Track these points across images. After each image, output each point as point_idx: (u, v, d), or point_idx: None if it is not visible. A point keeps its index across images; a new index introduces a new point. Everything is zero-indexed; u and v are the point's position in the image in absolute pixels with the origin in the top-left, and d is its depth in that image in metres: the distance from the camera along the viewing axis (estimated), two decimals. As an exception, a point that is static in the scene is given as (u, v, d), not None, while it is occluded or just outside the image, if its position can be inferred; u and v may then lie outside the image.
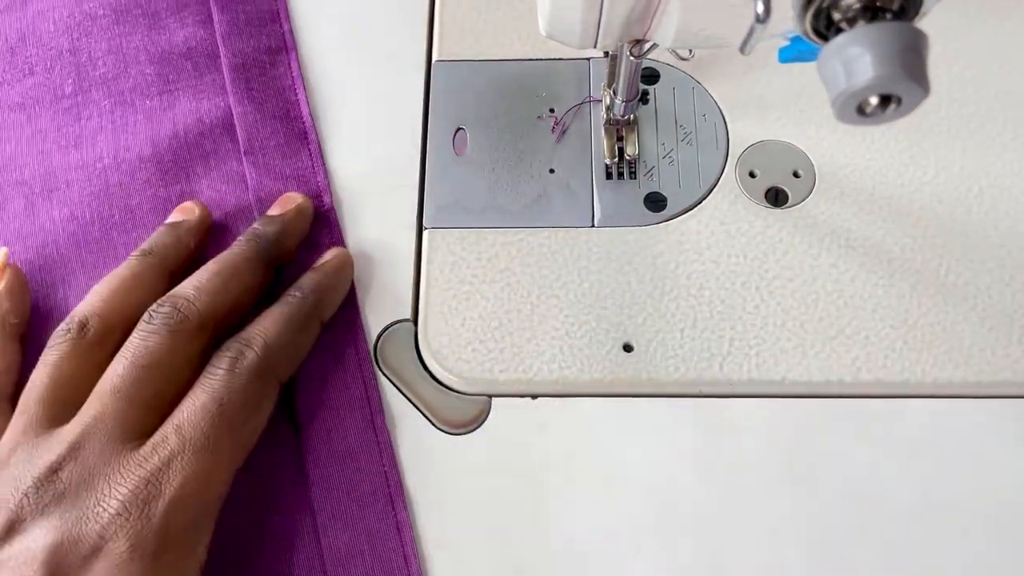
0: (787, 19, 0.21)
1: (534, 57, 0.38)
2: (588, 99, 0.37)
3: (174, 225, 0.33)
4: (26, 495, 0.25)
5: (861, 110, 0.19)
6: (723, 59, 0.37)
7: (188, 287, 0.30)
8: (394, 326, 0.33)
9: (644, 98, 0.36)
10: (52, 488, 0.26)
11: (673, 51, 0.35)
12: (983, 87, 0.36)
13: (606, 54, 0.33)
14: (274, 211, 0.34)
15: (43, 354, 0.29)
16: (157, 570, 0.25)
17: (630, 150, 0.35)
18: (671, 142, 0.36)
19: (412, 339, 0.33)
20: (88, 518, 0.25)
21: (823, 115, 0.36)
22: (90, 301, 0.30)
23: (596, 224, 0.34)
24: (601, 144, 0.35)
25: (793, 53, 0.25)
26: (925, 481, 0.30)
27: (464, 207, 0.35)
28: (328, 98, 0.38)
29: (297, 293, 0.31)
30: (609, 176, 0.35)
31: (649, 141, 0.36)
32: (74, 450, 0.26)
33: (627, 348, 0.32)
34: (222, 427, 0.27)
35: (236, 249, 0.32)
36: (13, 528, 0.25)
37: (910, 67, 0.18)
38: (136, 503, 0.25)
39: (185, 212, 0.34)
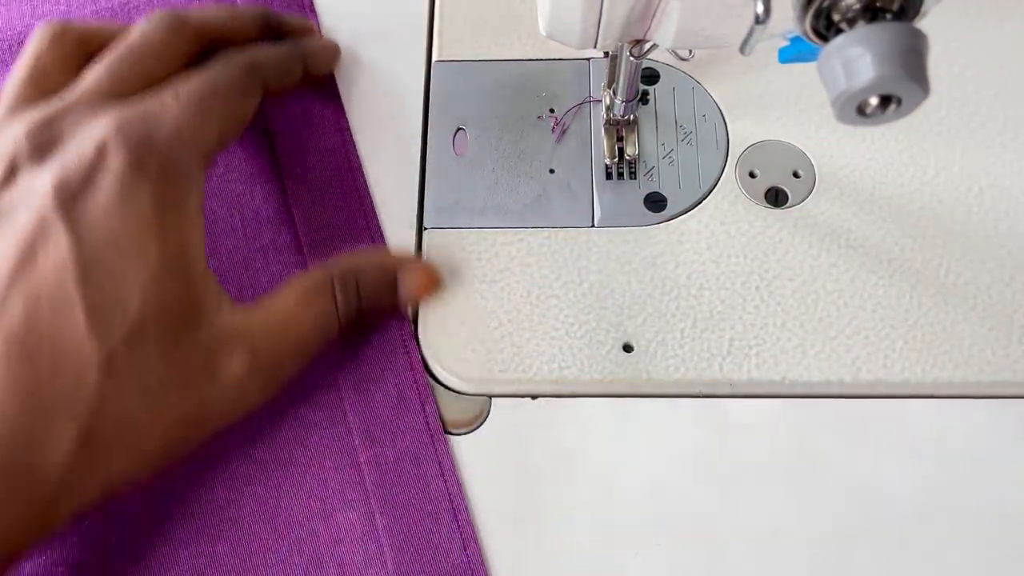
0: (787, 19, 0.21)
1: (534, 57, 0.38)
2: (588, 99, 0.37)
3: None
4: (19, 142, 0.26)
5: (861, 110, 0.19)
6: (723, 59, 0.37)
7: (194, 9, 0.32)
8: (394, 326, 0.33)
9: (644, 98, 0.36)
10: (47, 132, 0.27)
11: (673, 51, 0.35)
12: (983, 87, 0.36)
13: (606, 54, 0.33)
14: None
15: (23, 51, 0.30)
16: (166, 185, 0.26)
17: (630, 150, 0.35)
18: (671, 142, 0.36)
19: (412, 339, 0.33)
20: (87, 143, 0.26)
21: (823, 115, 0.36)
22: (89, 28, 0.31)
23: (596, 224, 0.34)
24: (601, 144, 0.35)
25: (793, 53, 0.25)
26: (925, 481, 0.30)
27: (464, 207, 0.35)
28: (328, 98, 0.38)
29: (295, 43, 0.34)
30: (609, 176, 0.35)
31: (649, 141, 0.36)
32: (67, 105, 0.27)
33: (627, 348, 0.32)
34: (214, 97, 0.29)
35: (243, 7, 0.34)
36: (13, 172, 0.26)
37: (910, 67, 0.18)
38: (135, 129, 0.26)
39: None
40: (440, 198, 0.35)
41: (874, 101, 0.19)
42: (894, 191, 0.34)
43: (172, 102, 0.28)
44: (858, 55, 0.18)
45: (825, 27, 0.20)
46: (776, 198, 0.35)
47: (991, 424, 0.31)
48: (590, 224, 0.34)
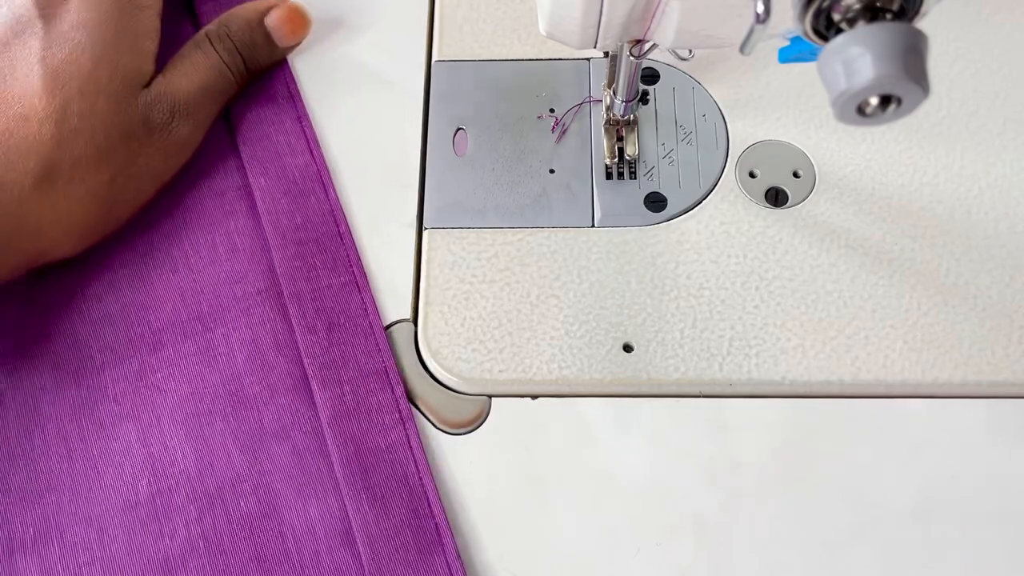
0: (787, 19, 0.21)
1: (534, 57, 0.38)
2: (588, 99, 0.37)
3: None
4: None
5: (861, 110, 0.19)
6: (723, 59, 0.37)
7: None
8: (394, 326, 0.33)
9: (644, 98, 0.36)
10: None
11: (673, 51, 0.35)
12: (983, 87, 0.36)
13: (606, 54, 0.33)
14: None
15: None
16: None
17: (630, 150, 0.35)
18: (671, 142, 0.36)
19: (412, 339, 0.33)
20: None
21: (823, 115, 0.36)
22: None
23: (596, 224, 0.34)
24: (601, 144, 0.35)
25: (793, 53, 0.25)
26: (925, 481, 0.30)
27: (464, 207, 0.35)
28: (328, 98, 0.38)
29: None
30: (609, 176, 0.35)
31: (649, 141, 0.36)
32: None
33: (627, 348, 0.32)
34: None
35: None
36: None
37: (910, 67, 0.18)
38: None
39: None
40: (440, 198, 0.35)
41: (874, 101, 0.19)
42: (894, 191, 0.34)
43: None
44: (858, 55, 0.18)
45: (825, 27, 0.20)
46: (776, 198, 0.35)
47: (991, 424, 0.31)
48: (590, 224, 0.34)
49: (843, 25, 0.20)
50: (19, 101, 0.30)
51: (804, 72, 0.36)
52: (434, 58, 0.38)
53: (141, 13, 0.33)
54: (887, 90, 0.18)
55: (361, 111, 0.37)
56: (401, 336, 0.33)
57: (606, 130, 0.35)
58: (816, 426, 0.31)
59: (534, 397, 0.32)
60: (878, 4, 0.19)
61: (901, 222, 0.34)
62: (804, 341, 0.32)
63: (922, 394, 0.31)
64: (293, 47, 0.37)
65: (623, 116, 0.34)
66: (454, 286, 0.33)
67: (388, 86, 0.38)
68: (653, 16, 0.26)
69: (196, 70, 0.34)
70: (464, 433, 0.31)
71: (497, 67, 0.38)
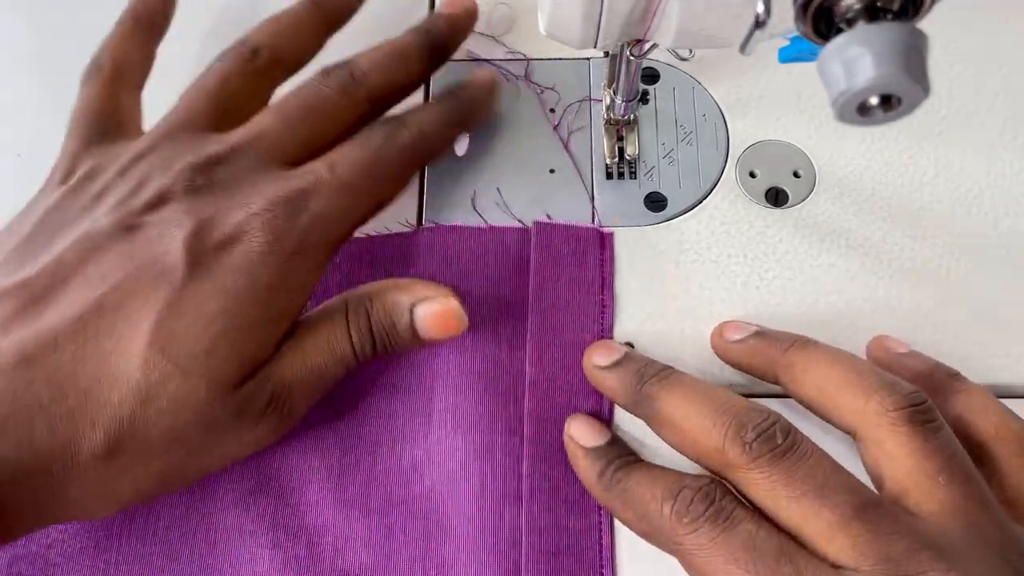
0: (787, 19, 0.21)
1: (534, 57, 0.38)
2: (588, 100, 0.37)
3: None
4: (181, 172, 0.27)
5: (861, 110, 0.19)
6: (723, 59, 0.37)
7: (364, 60, 0.31)
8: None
9: (644, 98, 0.36)
10: (207, 175, 0.27)
11: (673, 51, 0.35)
12: (983, 87, 0.36)
13: (606, 54, 0.33)
14: (444, 10, 0.34)
15: (210, 65, 0.31)
16: (286, 271, 0.26)
17: (630, 150, 0.35)
18: (671, 142, 0.36)
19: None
20: (235, 207, 0.26)
21: (823, 115, 0.36)
22: (262, 32, 0.31)
23: (596, 224, 0.34)
24: (601, 144, 0.35)
25: (793, 53, 0.25)
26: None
27: (464, 207, 0.35)
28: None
29: (453, 97, 0.32)
30: (609, 176, 0.35)
31: (649, 141, 0.36)
32: (234, 152, 0.28)
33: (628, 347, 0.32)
34: (369, 179, 0.28)
35: (407, 37, 0.32)
36: (163, 199, 0.26)
37: (910, 67, 0.18)
38: (283, 206, 0.26)
39: None
40: (440, 198, 0.35)
41: (874, 101, 0.19)
42: (894, 191, 0.34)
43: (327, 179, 0.28)
44: (858, 55, 0.18)
45: (825, 27, 0.20)
46: (776, 198, 0.34)
47: (991, 424, 0.31)
48: (590, 224, 0.34)
49: (843, 25, 0.20)
50: (112, 359, 0.25)
51: (804, 72, 0.36)
52: (434, 58, 0.38)
53: (297, 288, 0.27)
54: (887, 90, 0.18)
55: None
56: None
57: (606, 130, 0.35)
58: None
59: (534, 397, 0.32)
60: (878, 4, 0.19)
61: (901, 222, 0.34)
62: (804, 341, 0.32)
63: (922, 394, 0.31)
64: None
65: (623, 116, 0.34)
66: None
67: (388, 86, 0.38)
68: (653, 16, 0.26)
69: (317, 350, 0.28)
70: (464, 433, 0.31)
71: (497, 67, 0.38)
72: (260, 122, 0.29)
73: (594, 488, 0.28)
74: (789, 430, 0.24)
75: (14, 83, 0.40)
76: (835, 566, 0.22)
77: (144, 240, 0.26)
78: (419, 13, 0.39)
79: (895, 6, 0.19)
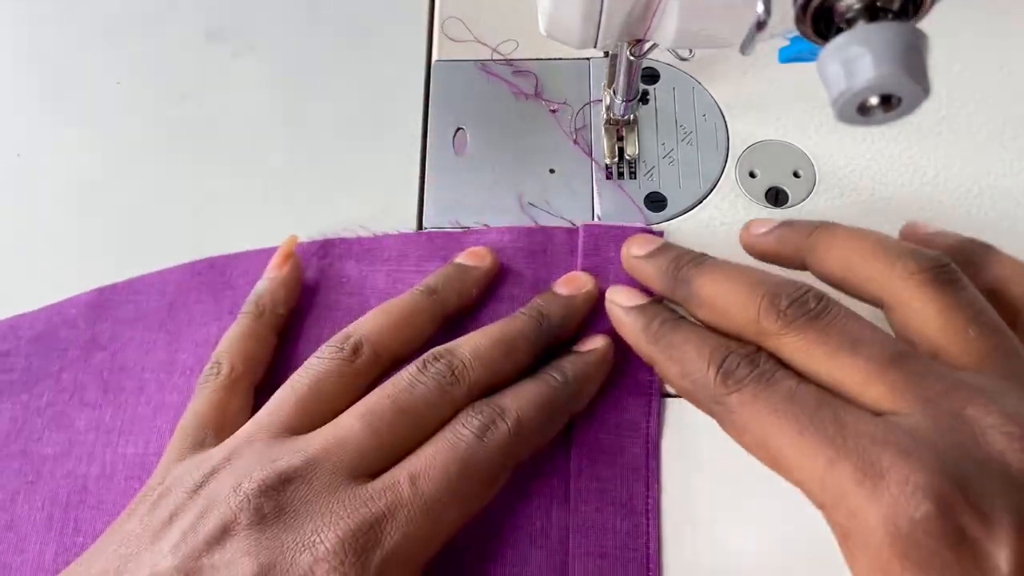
0: (787, 19, 0.21)
1: (534, 57, 0.38)
2: (588, 100, 0.37)
3: (463, 268, 0.32)
4: (248, 497, 0.24)
5: (861, 110, 0.19)
6: (723, 59, 0.37)
7: (466, 350, 0.28)
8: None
9: (644, 98, 0.36)
10: (275, 500, 0.24)
11: (673, 51, 0.35)
12: (983, 87, 0.36)
13: (606, 54, 0.33)
14: (561, 290, 0.31)
15: (309, 361, 0.28)
16: None
17: (630, 150, 0.35)
18: (671, 142, 0.36)
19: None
20: (303, 546, 0.24)
21: (823, 115, 0.36)
22: (368, 327, 0.29)
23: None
24: (601, 144, 0.35)
25: (793, 53, 0.25)
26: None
27: (464, 207, 0.35)
28: (328, 98, 0.38)
29: (559, 377, 0.29)
30: (609, 176, 0.35)
31: (649, 141, 0.36)
32: (308, 466, 0.25)
33: (627, 348, 0.32)
34: (455, 493, 0.25)
35: (519, 324, 0.29)
36: (227, 531, 0.24)
37: (911, 67, 0.18)
38: (354, 545, 0.24)
39: (476, 258, 0.32)
40: (440, 198, 0.35)
41: (874, 101, 0.19)
42: (894, 191, 0.34)
43: (408, 498, 0.25)
44: (858, 55, 0.18)
45: (825, 27, 0.20)
46: (776, 198, 0.34)
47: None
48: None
49: (843, 25, 0.20)
50: None
51: (804, 72, 0.36)
52: (434, 58, 0.38)
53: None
54: (887, 90, 0.18)
55: (361, 111, 0.37)
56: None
57: (606, 130, 0.35)
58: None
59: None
60: (878, 4, 0.19)
61: (901, 222, 0.34)
62: (804, 341, 0.32)
63: (922, 394, 0.31)
64: None
65: (623, 116, 0.34)
66: (454, 286, 0.33)
67: (388, 86, 0.38)
68: (653, 16, 0.26)
69: None
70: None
71: (497, 67, 0.38)
72: (343, 426, 0.26)
73: (640, 342, 0.29)
74: (821, 296, 0.25)
75: (14, 83, 0.40)
76: (875, 413, 0.23)
77: None
78: (419, 13, 0.39)
79: (895, 6, 0.19)
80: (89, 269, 0.35)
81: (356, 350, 0.28)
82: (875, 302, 0.26)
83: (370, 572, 0.24)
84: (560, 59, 0.37)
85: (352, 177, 0.36)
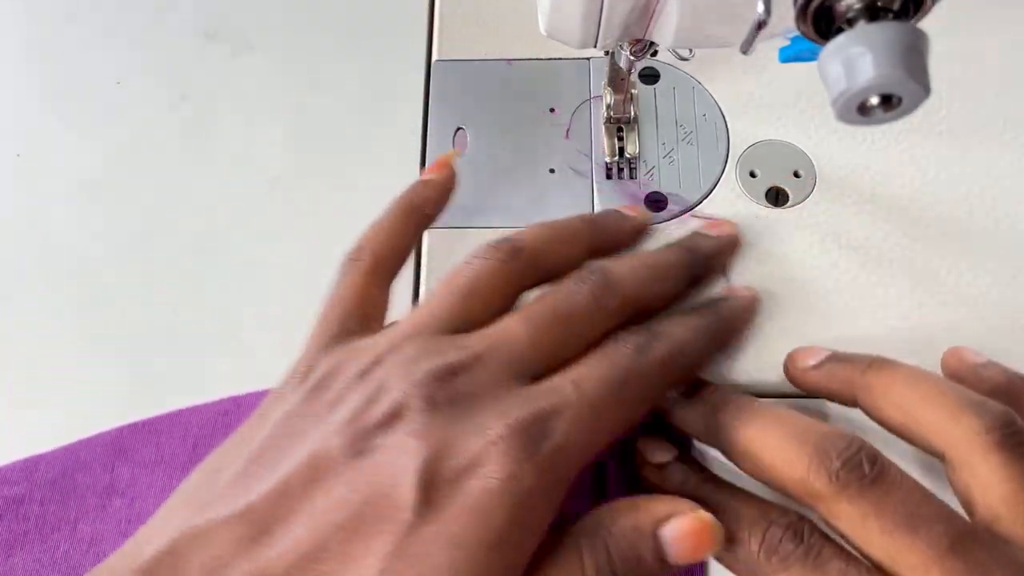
0: (788, 19, 0.21)
1: (534, 57, 0.38)
2: (588, 100, 0.37)
3: (623, 215, 0.33)
4: (419, 386, 0.24)
5: (862, 110, 0.19)
6: (723, 58, 0.37)
7: (624, 267, 0.29)
8: (394, 326, 0.33)
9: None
10: (445, 389, 0.24)
11: (673, 51, 0.35)
12: (983, 87, 0.36)
13: (607, 52, 0.33)
14: (712, 231, 0.33)
15: (466, 259, 0.28)
16: (522, 511, 0.23)
17: (630, 148, 0.35)
18: (671, 142, 0.36)
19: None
20: (474, 431, 0.23)
21: (823, 115, 0.36)
22: (529, 235, 0.29)
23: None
24: (601, 143, 0.35)
25: (793, 53, 0.25)
26: (925, 481, 0.30)
27: (464, 207, 0.35)
28: (328, 98, 0.38)
29: (712, 312, 0.30)
30: (609, 175, 0.35)
31: (649, 140, 0.36)
32: (475, 361, 0.25)
33: (627, 348, 0.32)
34: (615, 401, 0.25)
35: (671, 253, 0.31)
36: (397, 415, 0.24)
37: (911, 67, 0.18)
38: (524, 435, 0.23)
39: (632, 210, 0.33)
40: (440, 198, 0.35)
41: (875, 100, 0.19)
42: (894, 191, 0.34)
43: (573, 400, 0.25)
44: (859, 54, 0.18)
45: (826, 26, 0.20)
46: (776, 198, 0.34)
47: (991, 424, 0.31)
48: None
49: (843, 24, 0.20)
50: None
51: (805, 72, 0.36)
52: (434, 58, 0.38)
53: (530, 531, 0.24)
54: (888, 90, 0.18)
55: (361, 111, 0.37)
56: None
57: (606, 129, 0.35)
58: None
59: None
60: (879, 4, 0.19)
61: (901, 222, 0.34)
62: (804, 341, 0.32)
63: (922, 394, 0.31)
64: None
65: (623, 115, 0.34)
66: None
67: (388, 86, 0.38)
68: (653, 16, 0.26)
69: None
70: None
71: (497, 67, 0.38)
72: (506, 328, 0.26)
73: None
74: (876, 456, 0.24)
75: (14, 83, 0.40)
76: None
77: (373, 468, 0.23)
78: (419, 13, 0.39)
79: (895, 6, 0.19)
80: (89, 269, 0.35)
81: (515, 253, 0.28)
82: (935, 454, 0.25)
83: (539, 460, 0.23)
84: (560, 59, 0.37)
85: (352, 177, 0.36)
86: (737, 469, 0.27)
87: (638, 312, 0.28)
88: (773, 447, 0.25)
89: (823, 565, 0.23)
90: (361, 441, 0.24)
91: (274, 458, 0.24)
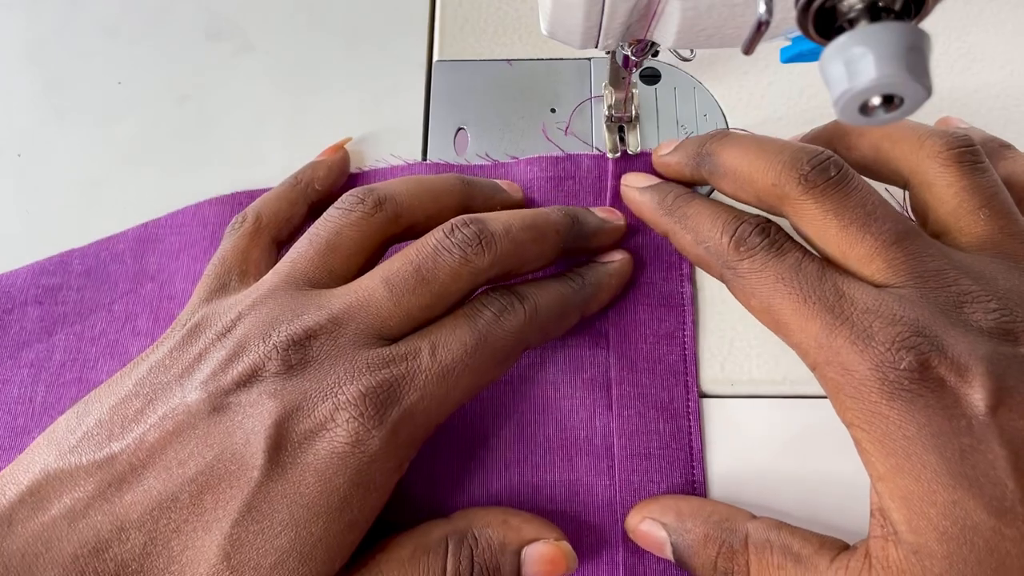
0: (789, 19, 0.21)
1: (535, 57, 0.38)
2: (589, 100, 0.37)
3: (499, 187, 0.33)
4: (276, 348, 0.25)
5: (863, 110, 0.19)
6: (725, 59, 0.37)
7: (498, 224, 0.28)
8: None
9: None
10: (302, 352, 0.25)
11: (674, 51, 0.35)
12: (983, 87, 0.36)
13: (608, 52, 0.33)
14: (600, 214, 0.32)
15: (328, 211, 0.29)
16: (367, 474, 0.24)
17: (631, 149, 0.35)
18: (672, 142, 0.35)
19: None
20: (326, 394, 0.25)
21: (824, 115, 0.36)
22: (394, 187, 0.29)
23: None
24: (602, 144, 0.35)
25: (795, 53, 0.25)
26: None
27: (465, 207, 0.35)
28: (328, 98, 0.38)
29: (577, 279, 0.30)
30: (610, 176, 0.35)
31: (651, 141, 0.36)
32: (333, 324, 0.26)
33: (628, 348, 0.32)
34: (470, 365, 0.26)
35: (553, 216, 0.30)
36: (255, 375, 0.25)
37: (912, 67, 0.18)
38: (374, 400, 0.25)
39: (510, 187, 0.34)
40: (441, 198, 0.35)
41: (876, 100, 0.19)
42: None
43: (427, 365, 0.26)
44: (860, 55, 0.18)
45: (827, 27, 0.20)
46: (777, 198, 0.34)
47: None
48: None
49: (845, 25, 0.20)
50: (180, 561, 0.23)
51: (805, 72, 0.36)
52: (434, 58, 0.38)
53: (377, 489, 0.25)
54: (889, 90, 0.18)
55: (362, 111, 0.37)
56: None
57: (608, 128, 0.35)
58: (817, 426, 0.31)
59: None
60: (880, 4, 0.19)
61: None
62: (805, 341, 0.32)
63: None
64: None
65: (624, 114, 0.34)
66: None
67: (388, 86, 0.38)
68: (654, 16, 0.26)
69: None
70: (465, 433, 0.31)
71: (497, 67, 0.38)
72: (366, 288, 0.27)
73: (655, 215, 0.30)
74: (842, 165, 0.26)
75: (14, 83, 0.40)
76: (874, 285, 0.25)
77: (228, 426, 0.24)
78: (420, 13, 0.39)
79: (897, 6, 0.19)
80: (89, 269, 0.35)
81: (378, 205, 0.29)
82: (899, 181, 0.28)
83: (386, 425, 0.25)
84: (561, 59, 0.37)
85: (353, 177, 0.36)
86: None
87: (510, 274, 0.29)
88: (752, 159, 0.28)
89: (783, 254, 0.26)
90: (218, 398, 0.25)
91: (139, 408, 0.25)
